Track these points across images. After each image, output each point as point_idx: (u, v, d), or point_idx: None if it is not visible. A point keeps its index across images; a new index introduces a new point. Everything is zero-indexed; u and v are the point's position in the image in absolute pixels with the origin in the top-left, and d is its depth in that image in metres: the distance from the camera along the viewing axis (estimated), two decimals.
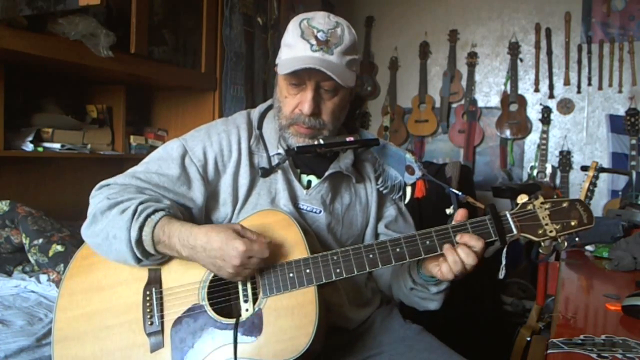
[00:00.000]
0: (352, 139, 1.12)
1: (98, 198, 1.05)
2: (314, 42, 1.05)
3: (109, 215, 1.00)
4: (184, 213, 1.09)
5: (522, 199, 1.01)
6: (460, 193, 1.13)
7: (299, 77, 1.06)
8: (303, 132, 1.10)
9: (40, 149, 1.84)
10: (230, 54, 2.47)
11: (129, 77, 2.07)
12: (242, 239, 0.94)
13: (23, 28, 1.56)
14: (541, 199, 1.00)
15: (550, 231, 0.98)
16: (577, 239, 1.02)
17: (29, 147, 1.81)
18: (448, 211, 1.06)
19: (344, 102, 1.13)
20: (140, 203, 0.99)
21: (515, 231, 0.99)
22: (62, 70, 1.93)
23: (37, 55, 1.61)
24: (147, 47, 1.99)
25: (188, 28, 2.30)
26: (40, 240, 1.64)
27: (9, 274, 1.67)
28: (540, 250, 1.00)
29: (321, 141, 1.09)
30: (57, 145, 1.88)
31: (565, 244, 0.99)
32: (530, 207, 1.00)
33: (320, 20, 1.08)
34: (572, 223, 0.98)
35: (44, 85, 2.07)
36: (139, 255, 0.97)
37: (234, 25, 2.49)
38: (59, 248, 1.61)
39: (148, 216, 0.97)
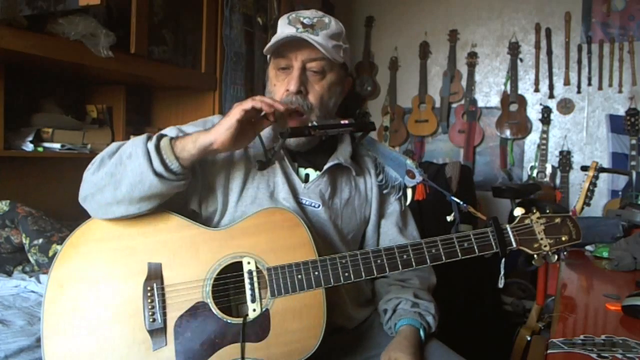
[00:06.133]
0: (346, 121, 1.11)
1: (100, 154, 1.03)
2: (299, 26, 1.10)
3: (119, 153, 0.99)
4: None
5: (518, 212, 1.06)
6: (461, 202, 1.15)
7: (286, 58, 1.10)
8: (293, 116, 1.10)
9: (40, 149, 1.84)
10: (230, 54, 2.47)
11: (129, 77, 2.06)
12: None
13: (23, 28, 1.56)
14: (537, 214, 1.06)
15: (545, 246, 1.04)
16: (565, 253, 1.07)
17: (29, 147, 1.80)
18: (449, 218, 1.08)
19: (333, 87, 1.15)
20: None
21: (514, 244, 1.04)
22: (62, 70, 1.93)
23: (37, 55, 1.60)
24: (147, 47, 1.99)
25: (188, 28, 2.30)
26: (40, 240, 1.64)
27: (9, 274, 1.67)
28: (534, 263, 1.05)
29: (315, 123, 1.08)
30: (57, 145, 1.88)
31: (556, 257, 1.05)
32: (527, 221, 1.05)
33: (308, 12, 1.14)
34: (563, 238, 1.04)
35: (44, 85, 2.07)
36: (157, 165, 0.93)
37: (234, 25, 2.49)
38: (59, 248, 1.61)
39: (162, 135, 0.98)
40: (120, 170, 0.96)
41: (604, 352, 0.85)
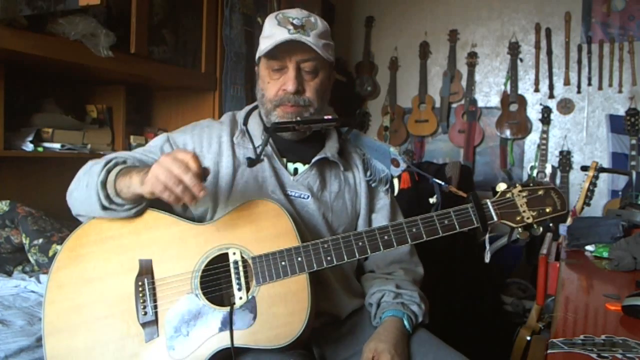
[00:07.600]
0: (330, 117, 1.15)
1: (80, 170, 1.11)
2: (290, 27, 1.11)
3: (88, 170, 1.06)
4: None
5: (501, 187, 1.06)
6: (443, 183, 1.16)
7: (281, 60, 1.12)
8: (289, 111, 1.14)
9: (40, 149, 1.84)
10: (230, 54, 2.47)
11: (129, 77, 2.07)
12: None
13: (23, 28, 1.56)
14: (519, 187, 1.06)
15: (528, 218, 1.04)
16: (550, 224, 1.06)
17: (29, 147, 1.81)
18: (431, 200, 1.09)
19: (325, 83, 1.19)
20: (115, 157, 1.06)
21: (495, 218, 1.04)
22: (62, 70, 1.93)
23: (37, 55, 1.61)
24: (147, 47, 1.99)
25: (188, 28, 2.30)
26: (40, 240, 1.64)
27: (9, 274, 1.67)
28: (518, 236, 1.05)
29: (298, 118, 1.13)
30: (57, 145, 1.88)
31: (541, 229, 1.04)
32: (509, 195, 1.05)
33: (294, 12, 1.16)
34: (547, 210, 1.04)
35: (44, 85, 2.07)
36: (102, 199, 0.99)
37: (234, 25, 2.49)
38: (59, 248, 1.61)
39: (117, 164, 1.03)
40: (82, 195, 1.05)
41: (604, 352, 0.85)
